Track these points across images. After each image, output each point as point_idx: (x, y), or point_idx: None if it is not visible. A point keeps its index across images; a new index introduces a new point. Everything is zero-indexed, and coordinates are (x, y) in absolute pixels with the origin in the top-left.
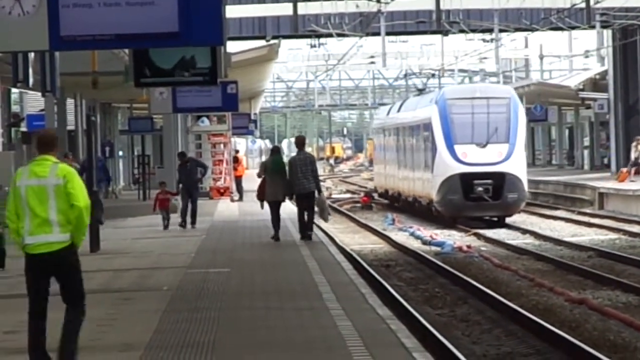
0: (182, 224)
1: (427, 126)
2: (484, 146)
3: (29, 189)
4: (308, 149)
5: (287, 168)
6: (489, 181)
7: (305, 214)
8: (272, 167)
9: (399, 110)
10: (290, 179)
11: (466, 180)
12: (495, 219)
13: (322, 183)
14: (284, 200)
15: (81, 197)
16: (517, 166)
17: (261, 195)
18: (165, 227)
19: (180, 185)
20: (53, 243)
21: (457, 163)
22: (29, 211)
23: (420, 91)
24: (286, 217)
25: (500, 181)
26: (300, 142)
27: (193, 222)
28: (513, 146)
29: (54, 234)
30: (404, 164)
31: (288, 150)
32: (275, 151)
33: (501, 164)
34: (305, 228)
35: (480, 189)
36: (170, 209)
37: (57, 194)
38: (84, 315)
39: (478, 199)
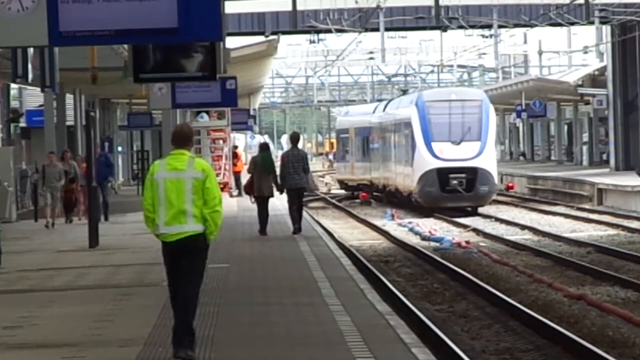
0: None
1: (408, 125)
2: (459, 144)
3: (167, 181)
4: (307, 145)
5: (278, 163)
6: (463, 175)
7: (295, 208)
8: (262, 164)
9: (384, 110)
10: (282, 174)
11: (442, 174)
12: (469, 209)
13: (320, 179)
14: (272, 196)
15: (217, 193)
16: (488, 161)
17: (249, 189)
18: None
19: None
20: (187, 232)
21: (434, 159)
22: (165, 202)
23: (404, 92)
24: (285, 212)
25: (473, 175)
26: (295, 139)
27: None
28: (484, 144)
29: (188, 224)
30: (389, 158)
31: (288, 146)
32: (265, 148)
33: (474, 159)
34: (295, 221)
35: (455, 182)
36: None
37: (194, 187)
38: (199, 292)
39: (453, 191)
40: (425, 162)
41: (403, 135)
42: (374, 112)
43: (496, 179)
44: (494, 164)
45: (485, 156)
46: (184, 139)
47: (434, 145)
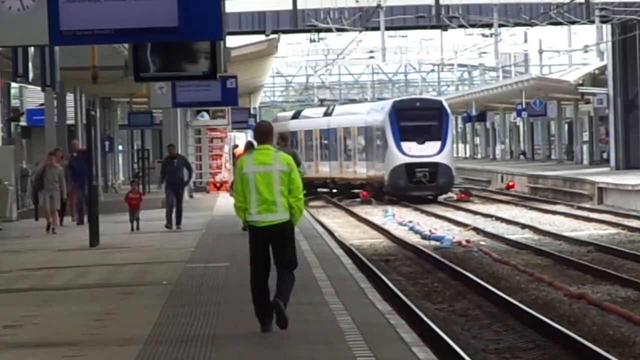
0: (168, 225)
1: (381, 128)
2: (423, 143)
3: (257, 174)
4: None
5: None
6: (427, 169)
7: None
8: None
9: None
10: None
11: (409, 169)
12: (431, 197)
13: None
14: None
15: (300, 183)
16: (447, 158)
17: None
18: (133, 228)
19: (164, 183)
20: (277, 220)
21: (402, 155)
22: (256, 193)
23: (321, 101)
24: None
25: (434, 169)
26: (284, 139)
27: (178, 222)
28: (444, 143)
29: (278, 213)
30: (364, 157)
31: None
32: (252, 147)
33: (435, 156)
34: None
35: (420, 174)
36: (140, 208)
37: (281, 179)
38: (294, 278)
39: (418, 182)
40: (395, 158)
41: (375, 136)
42: (294, 117)
43: (454, 173)
44: (452, 159)
45: (445, 153)
46: (265, 134)
47: (402, 144)
